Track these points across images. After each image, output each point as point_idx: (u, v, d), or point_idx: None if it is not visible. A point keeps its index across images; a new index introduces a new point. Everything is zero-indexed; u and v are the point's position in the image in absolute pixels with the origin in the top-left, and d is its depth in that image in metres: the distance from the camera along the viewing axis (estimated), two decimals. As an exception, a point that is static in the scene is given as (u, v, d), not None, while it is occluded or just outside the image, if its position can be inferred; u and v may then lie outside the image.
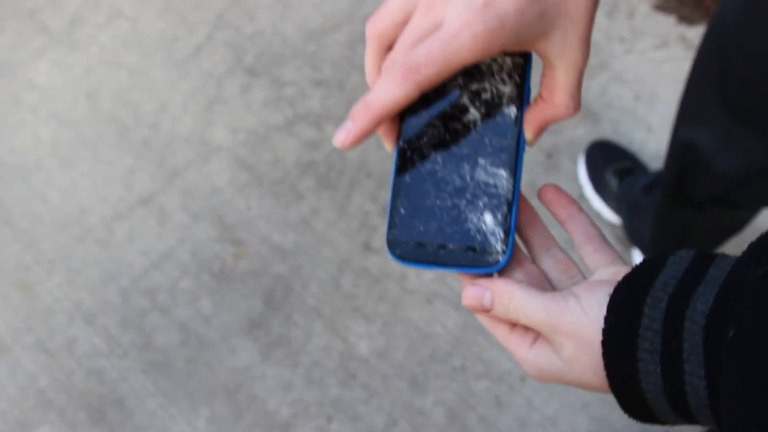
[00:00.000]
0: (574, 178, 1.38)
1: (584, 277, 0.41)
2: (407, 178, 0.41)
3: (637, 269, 0.37)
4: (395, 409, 1.21)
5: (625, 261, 0.40)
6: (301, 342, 1.26)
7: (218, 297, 1.30)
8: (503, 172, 0.40)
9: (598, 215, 1.33)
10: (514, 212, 0.39)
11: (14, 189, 1.41)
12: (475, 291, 0.39)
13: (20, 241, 1.36)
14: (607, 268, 0.40)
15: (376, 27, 0.39)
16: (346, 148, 0.37)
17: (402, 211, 0.41)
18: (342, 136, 0.37)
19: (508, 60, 0.40)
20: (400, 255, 0.40)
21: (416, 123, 0.41)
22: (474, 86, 0.40)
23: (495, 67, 0.40)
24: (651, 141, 1.41)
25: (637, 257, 1.28)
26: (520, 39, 0.36)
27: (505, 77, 0.40)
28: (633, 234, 1.26)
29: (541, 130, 0.40)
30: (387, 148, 0.41)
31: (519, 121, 0.40)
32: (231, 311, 1.29)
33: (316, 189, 1.39)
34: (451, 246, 0.40)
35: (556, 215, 0.42)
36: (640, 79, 1.47)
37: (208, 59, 1.54)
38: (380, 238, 1.34)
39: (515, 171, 0.40)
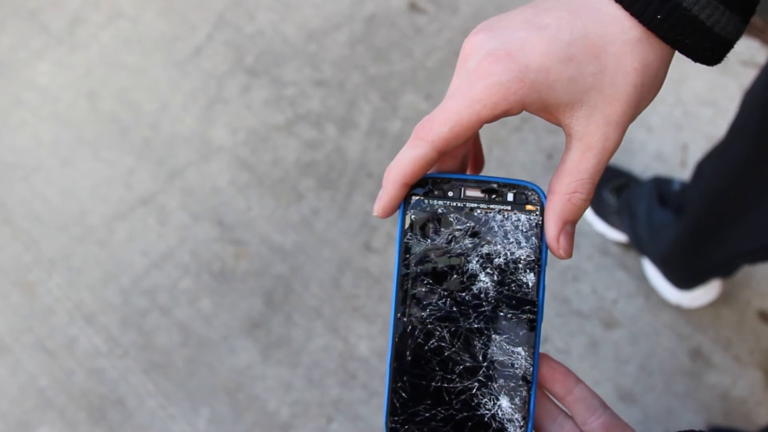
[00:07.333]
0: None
1: None
2: (408, 356, 0.36)
3: None
4: (395, 409, 1.21)
5: (634, 430, 0.37)
6: (301, 342, 1.26)
7: (218, 297, 1.30)
8: (522, 351, 0.35)
9: (603, 236, 1.31)
10: (533, 393, 0.35)
11: (14, 189, 1.41)
12: None
13: (20, 240, 1.36)
14: None
15: None
16: (385, 217, 0.36)
17: (403, 394, 0.36)
18: (376, 206, 0.36)
19: (522, 217, 0.36)
20: None
21: (418, 291, 0.36)
22: (485, 249, 0.36)
23: (508, 226, 0.36)
24: (651, 141, 1.41)
25: (649, 267, 1.26)
26: (543, 100, 0.33)
27: (521, 238, 0.36)
28: (640, 243, 1.24)
29: (560, 231, 0.35)
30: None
31: (538, 289, 0.35)
32: (231, 311, 1.29)
33: (316, 189, 1.39)
34: None
35: (552, 392, 0.37)
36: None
37: (208, 59, 1.54)
38: (380, 239, 1.34)
39: (535, 347, 0.35)
